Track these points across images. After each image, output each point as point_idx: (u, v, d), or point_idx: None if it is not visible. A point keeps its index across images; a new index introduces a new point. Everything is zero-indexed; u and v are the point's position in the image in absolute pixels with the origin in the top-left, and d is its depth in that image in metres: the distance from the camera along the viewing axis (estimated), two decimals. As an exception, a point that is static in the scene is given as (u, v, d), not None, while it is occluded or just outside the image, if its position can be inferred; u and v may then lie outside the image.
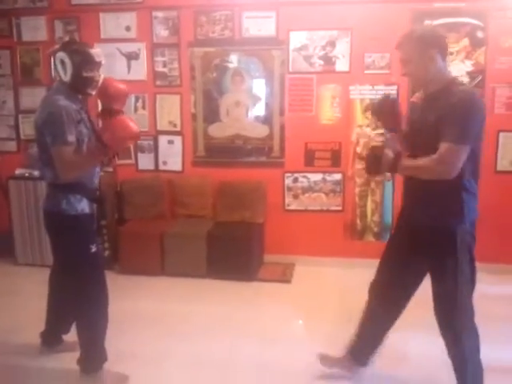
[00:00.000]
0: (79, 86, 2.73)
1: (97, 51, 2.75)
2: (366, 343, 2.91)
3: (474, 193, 2.46)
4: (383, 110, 2.62)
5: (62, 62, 2.68)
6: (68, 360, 3.04)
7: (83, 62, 2.67)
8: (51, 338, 3.23)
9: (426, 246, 2.49)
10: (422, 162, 2.34)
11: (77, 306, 2.86)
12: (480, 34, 4.32)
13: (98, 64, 2.75)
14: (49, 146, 2.62)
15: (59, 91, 2.72)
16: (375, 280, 2.81)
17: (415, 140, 2.49)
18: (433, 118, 2.34)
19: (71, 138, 2.61)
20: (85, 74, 2.69)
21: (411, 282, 2.68)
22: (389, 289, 2.71)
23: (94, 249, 2.81)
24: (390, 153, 2.47)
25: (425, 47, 2.37)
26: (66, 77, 2.69)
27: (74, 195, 2.74)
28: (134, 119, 2.79)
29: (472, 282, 2.49)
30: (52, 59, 2.76)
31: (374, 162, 2.51)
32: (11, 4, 4.95)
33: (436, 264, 2.50)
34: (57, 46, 2.75)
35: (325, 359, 3.04)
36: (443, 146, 2.26)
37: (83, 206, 2.78)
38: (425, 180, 2.38)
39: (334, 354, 3.03)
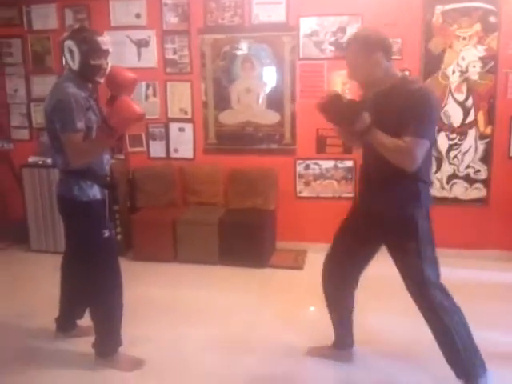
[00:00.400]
0: (87, 73, 2.74)
1: (104, 39, 2.75)
2: (339, 327, 3.01)
3: (429, 183, 2.56)
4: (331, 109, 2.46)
5: (70, 51, 2.69)
6: (83, 344, 3.09)
7: (90, 50, 2.68)
8: (65, 323, 3.27)
9: (386, 233, 2.58)
10: (393, 141, 2.33)
11: (90, 291, 2.89)
12: (492, 19, 4.26)
13: (106, 52, 2.75)
14: (58, 133, 2.65)
15: (68, 79, 2.74)
16: (328, 261, 2.88)
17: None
18: (390, 116, 2.36)
19: (80, 124, 2.63)
20: (92, 62, 2.70)
21: (364, 262, 2.79)
22: (341, 269, 2.80)
23: (106, 234, 2.84)
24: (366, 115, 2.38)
25: (369, 51, 2.42)
26: (75, 65, 2.70)
27: (85, 181, 2.77)
28: (137, 102, 2.78)
29: (436, 262, 2.58)
30: (61, 48, 2.76)
31: (349, 112, 2.38)
32: (22, -8, 4.97)
33: (398, 249, 2.56)
34: (65, 34, 2.75)
35: (313, 351, 3.12)
36: (408, 140, 2.29)
37: (95, 192, 2.81)
38: (385, 170, 2.41)
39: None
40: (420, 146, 2.30)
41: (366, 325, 3.29)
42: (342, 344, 3.05)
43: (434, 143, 2.54)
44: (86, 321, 3.11)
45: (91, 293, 2.90)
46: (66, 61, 2.76)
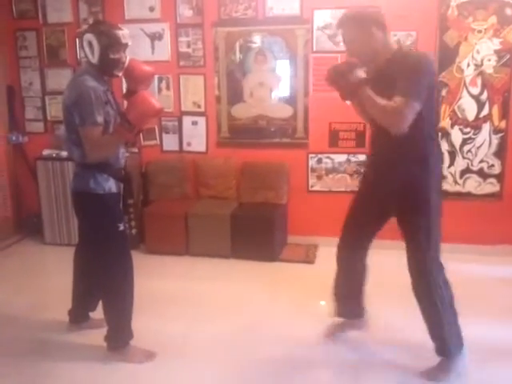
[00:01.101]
0: (106, 67, 2.75)
1: (124, 32, 2.76)
2: (349, 299, 3.09)
3: (438, 145, 2.73)
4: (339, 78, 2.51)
5: (90, 44, 2.69)
6: (95, 336, 3.11)
7: (110, 43, 2.69)
8: (78, 316, 3.29)
9: (399, 207, 2.66)
10: (383, 102, 2.39)
11: (104, 283, 2.91)
12: (508, 12, 4.20)
13: (125, 46, 2.76)
14: (77, 126, 2.66)
15: (87, 72, 2.74)
16: (343, 229, 3.00)
17: None
18: (387, 87, 2.41)
19: (100, 118, 2.65)
20: (112, 56, 2.71)
21: (374, 230, 2.91)
22: (354, 235, 2.94)
23: (121, 227, 2.86)
24: (360, 73, 2.46)
25: (364, 25, 2.52)
26: (94, 58, 2.71)
27: (101, 174, 2.78)
28: (155, 97, 2.81)
29: (440, 237, 2.65)
30: (79, 40, 2.78)
31: (339, 75, 2.46)
32: (37, -14, 4.99)
33: (409, 223, 2.64)
34: (84, 27, 2.77)
35: (329, 331, 3.19)
36: (398, 99, 2.35)
37: (110, 185, 2.82)
38: (392, 137, 2.43)
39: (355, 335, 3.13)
40: (409, 106, 2.34)
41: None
42: (353, 315, 3.14)
43: (431, 105, 2.54)
44: (98, 313, 3.14)
45: (104, 285, 2.92)
46: (85, 54, 2.77)
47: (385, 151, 2.65)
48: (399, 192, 2.60)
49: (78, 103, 2.63)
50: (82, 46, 2.77)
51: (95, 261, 2.91)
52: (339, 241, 3.01)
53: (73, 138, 2.74)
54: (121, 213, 2.92)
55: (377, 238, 2.95)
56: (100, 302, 3.04)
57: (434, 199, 2.57)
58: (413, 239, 2.65)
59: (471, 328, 2.82)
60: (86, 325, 3.29)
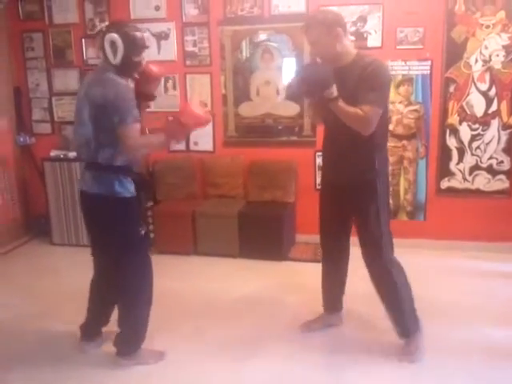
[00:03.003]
0: (127, 69, 2.67)
1: (147, 35, 2.73)
2: (331, 292, 3.31)
3: (386, 151, 2.89)
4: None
5: (112, 44, 2.58)
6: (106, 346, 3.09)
7: (135, 46, 2.62)
8: (92, 332, 3.12)
9: (351, 199, 2.85)
10: (352, 110, 2.57)
11: (124, 290, 2.82)
12: (517, 7, 4.17)
13: (147, 48, 2.71)
14: (113, 124, 2.55)
15: (111, 72, 2.63)
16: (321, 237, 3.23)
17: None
18: (350, 88, 2.60)
19: (138, 114, 2.61)
20: (134, 59, 2.64)
21: (347, 230, 3.09)
22: (333, 241, 3.15)
23: (143, 232, 2.82)
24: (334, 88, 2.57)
25: (330, 27, 2.64)
26: (116, 59, 2.59)
27: (125, 177, 2.72)
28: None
29: (389, 224, 2.88)
30: (100, 39, 2.65)
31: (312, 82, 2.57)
32: (43, -14, 5.00)
33: (361, 212, 2.86)
34: (107, 26, 2.71)
35: (306, 325, 3.32)
36: (366, 108, 2.55)
37: (133, 188, 2.76)
38: (345, 145, 2.72)
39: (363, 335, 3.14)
40: (375, 113, 2.58)
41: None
42: (332, 308, 3.33)
43: (386, 110, 2.78)
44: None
45: (124, 292, 2.82)
46: (104, 54, 2.62)
47: (338, 149, 2.84)
48: (350, 185, 2.82)
49: (117, 101, 2.53)
50: (102, 46, 2.63)
51: (117, 268, 2.79)
52: (320, 241, 3.25)
53: (102, 139, 2.62)
54: (140, 217, 2.88)
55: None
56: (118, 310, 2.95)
57: (380, 186, 2.78)
58: (366, 227, 2.85)
59: (479, 327, 2.80)
60: (98, 340, 3.13)
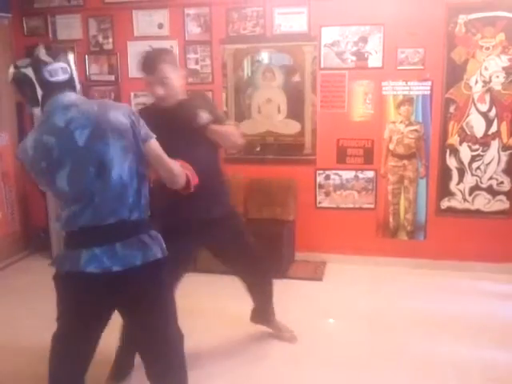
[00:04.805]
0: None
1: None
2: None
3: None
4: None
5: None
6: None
7: None
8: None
9: (221, 227, 2.92)
10: (224, 128, 2.81)
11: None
12: (517, 29, 4.21)
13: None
14: (140, 144, 2.06)
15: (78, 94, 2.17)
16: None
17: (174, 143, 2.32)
18: (182, 123, 2.64)
19: None
20: None
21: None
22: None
23: None
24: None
25: (176, 66, 2.77)
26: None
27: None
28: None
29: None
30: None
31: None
32: (47, 3, 5.05)
33: (233, 231, 3.06)
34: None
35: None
36: (229, 122, 3.00)
37: None
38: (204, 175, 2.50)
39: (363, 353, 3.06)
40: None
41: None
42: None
43: None
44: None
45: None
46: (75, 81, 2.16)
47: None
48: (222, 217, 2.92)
49: (136, 120, 2.07)
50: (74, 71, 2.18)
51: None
52: None
53: (140, 175, 2.10)
54: None
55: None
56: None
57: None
58: (246, 244, 3.15)
59: (478, 347, 2.79)
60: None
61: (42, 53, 2.05)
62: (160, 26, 4.86)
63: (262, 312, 3.40)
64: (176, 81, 2.72)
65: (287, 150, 4.80)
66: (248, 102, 4.82)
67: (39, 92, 2.03)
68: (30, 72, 2.05)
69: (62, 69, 2.07)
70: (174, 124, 2.58)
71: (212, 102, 3.07)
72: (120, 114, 2.02)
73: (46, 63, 2.03)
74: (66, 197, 2.03)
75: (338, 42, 4.52)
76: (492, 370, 2.99)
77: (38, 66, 2.04)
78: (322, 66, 4.59)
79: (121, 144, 1.99)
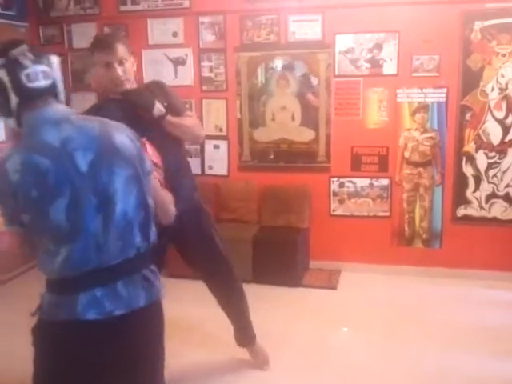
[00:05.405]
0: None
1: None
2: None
3: None
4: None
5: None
6: None
7: None
8: None
9: (186, 221, 2.74)
10: (183, 121, 2.70)
11: None
12: (533, 36, 4.17)
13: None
14: (146, 175, 1.79)
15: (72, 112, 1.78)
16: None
17: None
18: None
19: None
20: None
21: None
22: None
23: None
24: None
25: (130, 52, 2.63)
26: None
27: None
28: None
29: None
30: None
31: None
32: (63, 11, 5.10)
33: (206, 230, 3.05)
34: None
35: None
36: (189, 114, 2.80)
37: None
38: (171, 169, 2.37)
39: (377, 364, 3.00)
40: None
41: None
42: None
43: None
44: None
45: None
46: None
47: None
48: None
49: (139, 143, 1.82)
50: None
51: None
52: None
53: (149, 206, 1.78)
54: None
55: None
56: None
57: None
58: (218, 253, 3.04)
59: (493, 357, 2.74)
60: None
61: (19, 51, 1.63)
62: (174, 34, 4.88)
63: (244, 329, 3.19)
64: (131, 66, 2.61)
65: (301, 157, 4.79)
66: (262, 109, 4.81)
67: (13, 99, 1.61)
68: (2, 74, 1.60)
69: (44, 73, 1.66)
70: (137, 114, 2.48)
71: (170, 90, 2.79)
72: (125, 137, 1.72)
73: (24, 65, 1.61)
74: (61, 233, 1.60)
75: (352, 49, 4.50)
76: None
77: (13, 67, 1.60)
78: (337, 73, 4.58)
79: (126, 173, 1.68)
